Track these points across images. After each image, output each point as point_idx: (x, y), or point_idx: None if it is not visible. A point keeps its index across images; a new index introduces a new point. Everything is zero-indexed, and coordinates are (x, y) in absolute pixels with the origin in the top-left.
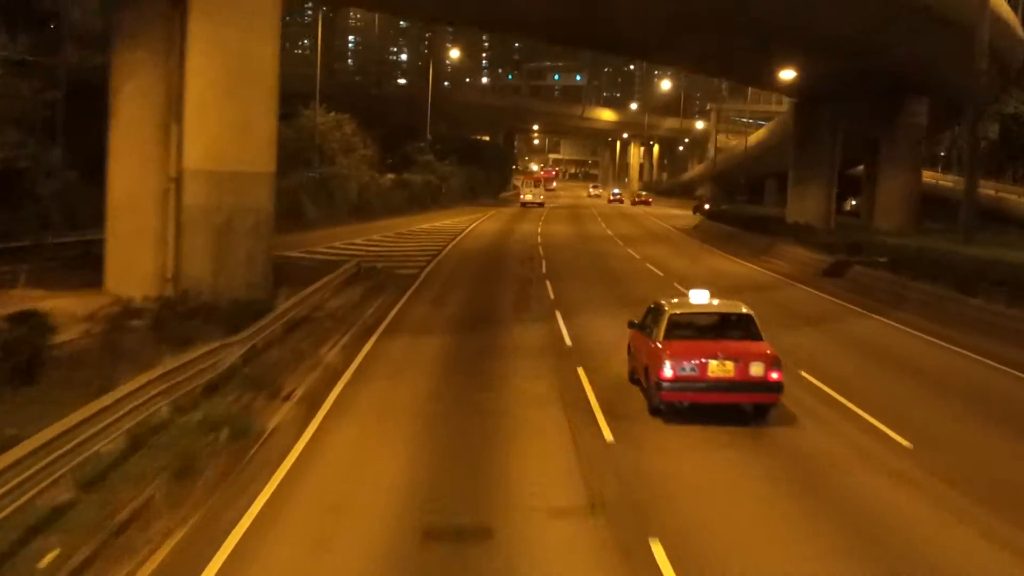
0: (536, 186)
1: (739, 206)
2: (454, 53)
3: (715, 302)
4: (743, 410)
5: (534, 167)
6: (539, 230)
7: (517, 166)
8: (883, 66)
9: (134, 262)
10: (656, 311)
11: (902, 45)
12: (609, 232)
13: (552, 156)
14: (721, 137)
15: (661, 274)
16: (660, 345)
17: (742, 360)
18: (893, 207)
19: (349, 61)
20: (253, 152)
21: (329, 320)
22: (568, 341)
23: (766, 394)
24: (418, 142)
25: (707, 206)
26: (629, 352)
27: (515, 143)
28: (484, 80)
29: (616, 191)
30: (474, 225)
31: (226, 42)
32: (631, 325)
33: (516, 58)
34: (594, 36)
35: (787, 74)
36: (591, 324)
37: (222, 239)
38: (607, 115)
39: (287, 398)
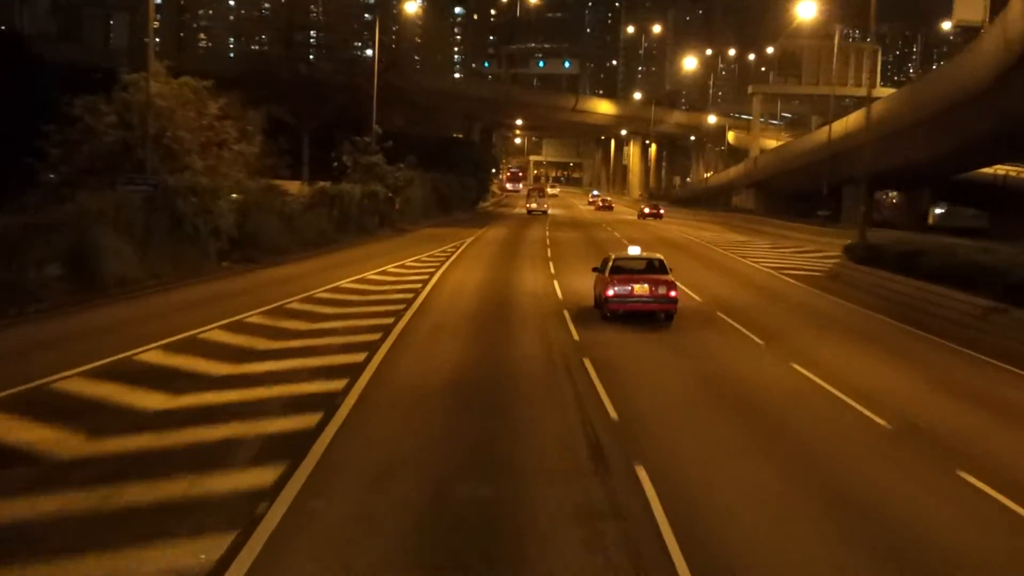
0: (541, 196)
1: (923, 237)
2: (411, 7)
3: (642, 253)
4: (657, 317)
5: (513, 170)
6: (557, 289)
7: (499, 169)
8: None
9: None
10: (606, 259)
11: None
12: (698, 298)
13: (533, 158)
14: (739, 136)
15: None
16: (607, 277)
17: (653, 284)
18: None
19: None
20: None
21: None
22: None
23: (668, 304)
24: (362, 137)
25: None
26: (596, 302)
27: (493, 141)
28: (456, 77)
29: (595, 192)
30: (435, 280)
31: None
32: (594, 270)
33: (492, 39)
34: None
35: None
36: None
37: None
38: (605, 107)
39: None
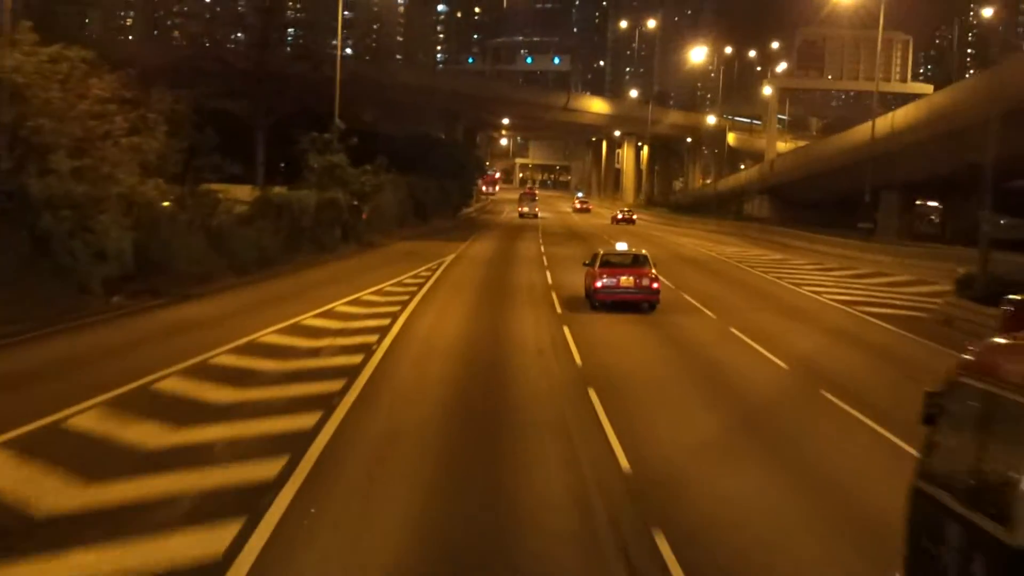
0: (532, 199)
1: None
2: None
3: (628, 249)
4: (640, 307)
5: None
6: (569, 340)
7: (484, 171)
8: None
9: None
10: (596, 255)
11: None
12: (783, 364)
13: (519, 161)
14: (741, 138)
15: None
16: (596, 270)
17: (637, 277)
18: None
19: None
20: None
21: None
22: None
23: (651, 295)
24: (322, 134)
25: None
26: (586, 294)
27: (478, 142)
28: (439, 69)
29: (580, 194)
30: (397, 330)
31: None
32: (584, 264)
33: (476, 37)
34: None
35: None
36: None
37: None
38: (598, 106)
39: None
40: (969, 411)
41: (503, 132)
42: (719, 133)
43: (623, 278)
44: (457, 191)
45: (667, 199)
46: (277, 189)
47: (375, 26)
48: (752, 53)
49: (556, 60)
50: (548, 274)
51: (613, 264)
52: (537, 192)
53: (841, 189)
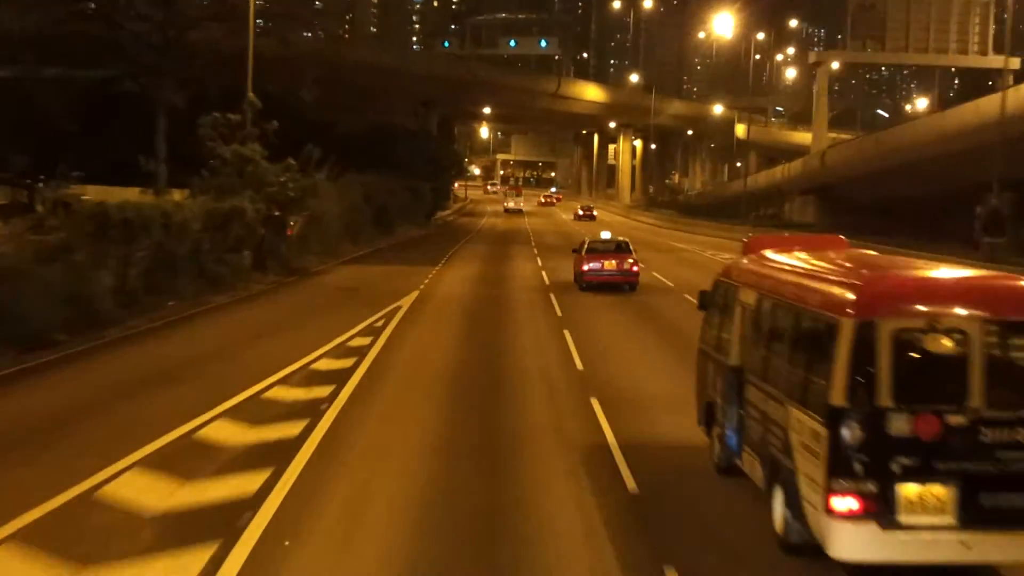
0: (518, 195)
1: None
2: None
3: (612, 237)
4: (621, 288)
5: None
6: None
7: (466, 169)
8: None
9: None
10: (583, 243)
11: None
12: None
13: (501, 156)
14: (755, 130)
15: None
16: (582, 255)
17: (620, 261)
18: None
19: None
20: None
21: None
22: None
23: (631, 277)
24: (225, 114)
25: None
26: (575, 278)
27: (455, 135)
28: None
29: (553, 189)
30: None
31: None
32: (573, 251)
33: (454, 27)
34: None
35: None
36: None
37: None
38: (592, 93)
39: None
40: (718, 298)
41: (484, 123)
42: (726, 124)
43: (607, 263)
44: (431, 192)
45: (674, 199)
46: (178, 194)
47: (348, 16)
48: (760, 35)
49: (543, 43)
50: (569, 337)
51: (599, 251)
52: (522, 190)
53: (932, 188)
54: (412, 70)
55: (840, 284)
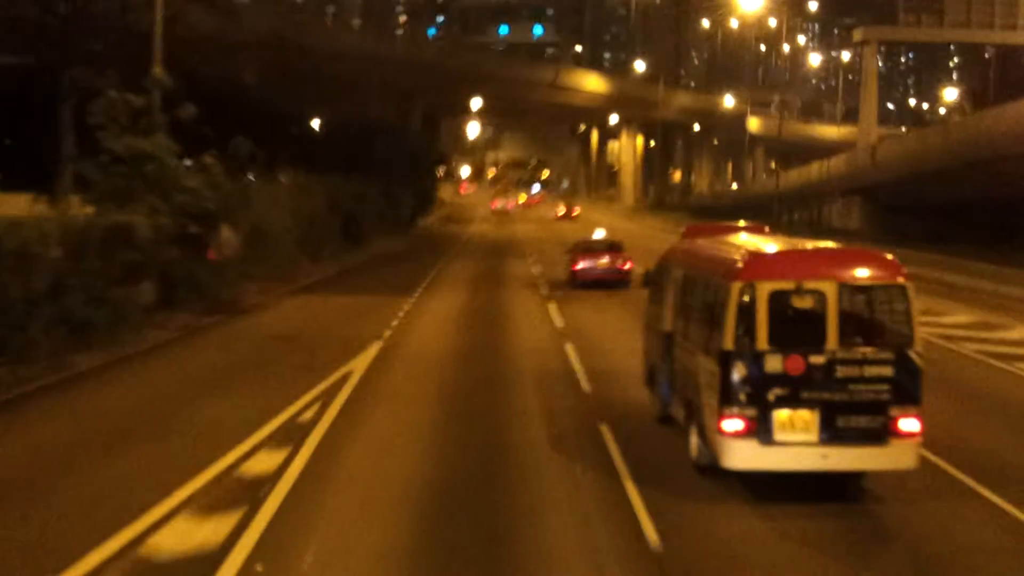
0: (507, 196)
1: None
2: None
3: (605, 236)
4: (613, 284)
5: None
6: None
7: (450, 169)
8: None
9: None
10: (578, 242)
11: None
12: None
13: (490, 155)
14: (769, 124)
15: None
16: (577, 254)
17: (612, 259)
18: None
19: None
20: None
21: None
22: None
23: (622, 275)
24: (124, 94)
25: None
26: (567, 267)
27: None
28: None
29: (536, 187)
30: None
31: None
32: (567, 251)
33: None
34: None
35: None
36: None
37: None
38: (593, 83)
39: None
40: (657, 277)
41: (472, 116)
42: (737, 118)
43: (600, 261)
44: (412, 197)
45: (685, 200)
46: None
47: (331, 9)
48: (773, 21)
49: (538, 30)
50: (635, 495)
51: (593, 250)
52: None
53: (1013, 191)
54: (391, 56)
55: (732, 259)
